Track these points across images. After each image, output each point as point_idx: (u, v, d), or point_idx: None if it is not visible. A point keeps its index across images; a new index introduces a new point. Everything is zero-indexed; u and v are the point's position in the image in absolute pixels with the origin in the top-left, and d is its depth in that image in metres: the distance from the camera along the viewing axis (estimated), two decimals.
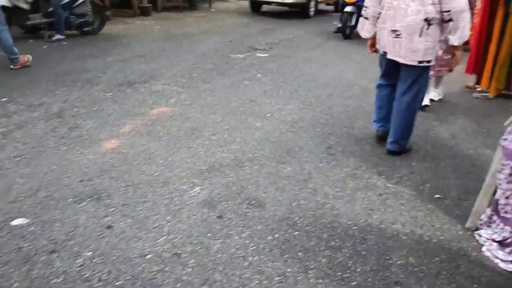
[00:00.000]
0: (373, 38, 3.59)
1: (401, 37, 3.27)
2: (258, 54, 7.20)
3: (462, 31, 3.15)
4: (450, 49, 3.48)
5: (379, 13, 3.42)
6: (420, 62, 3.30)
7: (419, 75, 3.40)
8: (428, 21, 3.17)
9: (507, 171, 2.51)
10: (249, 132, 4.04)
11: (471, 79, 5.80)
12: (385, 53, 3.46)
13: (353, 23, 8.87)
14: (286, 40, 8.57)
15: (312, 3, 11.80)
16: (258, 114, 4.50)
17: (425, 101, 4.63)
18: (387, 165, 3.53)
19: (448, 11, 3.11)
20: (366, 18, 3.53)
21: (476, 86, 5.66)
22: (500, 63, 5.31)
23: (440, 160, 3.68)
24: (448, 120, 4.60)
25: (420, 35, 3.21)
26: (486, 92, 5.49)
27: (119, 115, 4.33)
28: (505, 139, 2.56)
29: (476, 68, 5.60)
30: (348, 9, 8.82)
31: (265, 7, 12.85)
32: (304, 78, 5.95)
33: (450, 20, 3.13)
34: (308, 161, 3.53)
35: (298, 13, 11.97)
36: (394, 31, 3.30)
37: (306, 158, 3.59)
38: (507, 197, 2.52)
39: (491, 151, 3.84)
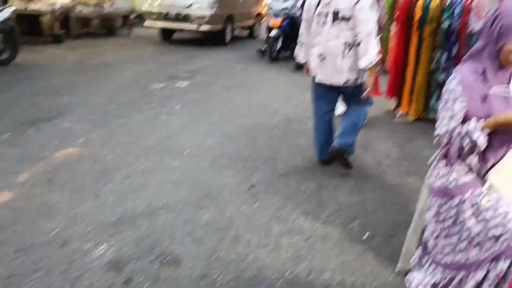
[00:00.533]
0: (306, 62, 3.82)
1: (326, 60, 3.51)
2: (178, 84, 6.88)
3: (369, 54, 3.34)
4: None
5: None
6: (344, 83, 3.53)
7: (352, 94, 3.64)
8: (348, 45, 3.42)
9: (434, 209, 2.38)
10: (166, 174, 3.70)
11: (392, 103, 5.86)
12: (315, 77, 3.66)
13: (278, 47, 9.02)
14: (207, 67, 8.34)
15: (228, 29, 11.61)
16: (176, 152, 4.17)
17: (338, 111, 4.95)
18: (313, 202, 3.34)
19: (357, 34, 3.34)
20: (302, 44, 3.77)
21: (397, 109, 5.71)
22: (417, 86, 5.39)
23: (367, 192, 3.55)
24: (372, 146, 4.54)
25: (342, 58, 3.46)
26: (406, 116, 5.55)
27: (15, 161, 3.82)
28: (430, 176, 2.43)
29: (396, 91, 5.66)
30: (273, 33, 8.93)
31: (178, 35, 12.22)
32: (226, 107, 5.71)
33: (359, 44, 3.35)
34: (229, 204, 3.25)
35: (214, 40, 11.58)
36: (320, 55, 3.54)
37: (227, 200, 3.31)
38: (436, 237, 2.38)
39: (415, 178, 3.79)
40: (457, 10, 5.02)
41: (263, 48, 9.64)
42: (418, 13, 5.15)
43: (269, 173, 3.80)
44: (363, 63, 3.36)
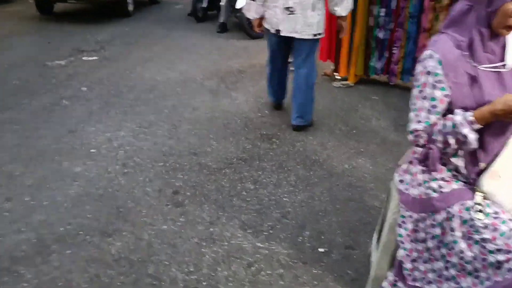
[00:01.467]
0: (260, 18, 3.64)
1: (295, 13, 3.37)
2: (84, 58, 5.87)
3: (347, 1, 3.47)
4: (338, 21, 3.70)
5: None
6: (314, 35, 3.47)
7: (312, 47, 3.58)
8: None
9: (409, 225, 1.82)
10: (63, 187, 2.90)
11: (328, 66, 5.28)
12: (277, 31, 3.50)
13: (205, 4, 8.21)
14: (122, 35, 7.30)
15: None
16: (79, 153, 3.35)
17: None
18: (252, 209, 2.71)
19: None
20: (253, 0, 3.55)
21: (335, 74, 5.15)
22: (355, 48, 4.83)
23: (313, 186, 2.98)
24: (313, 124, 3.95)
25: (313, 10, 3.38)
26: (346, 80, 5.00)
27: None
28: (401, 181, 1.86)
29: (332, 55, 5.07)
30: None
31: (61, 6, 8.86)
32: (143, 86, 4.87)
33: None
34: (147, 224, 2.55)
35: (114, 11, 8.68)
36: (287, 8, 3.38)
37: (144, 218, 2.60)
38: (413, 260, 1.84)
39: (366, 160, 3.28)
40: None
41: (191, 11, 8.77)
42: None
43: (196, 172, 3.12)
44: (343, 11, 3.49)
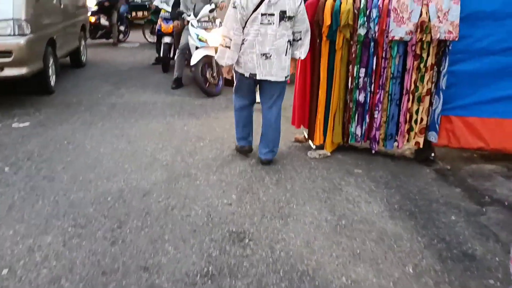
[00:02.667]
0: (231, 64, 3.82)
1: (271, 58, 3.69)
2: (14, 125, 4.98)
3: (306, 46, 3.86)
4: (292, 63, 3.96)
5: (243, 40, 3.70)
6: (286, 77, 3.81)
7: (283, 88, 3.92)
8: (289, 42, 3.74)
9: None
10: None
11: (298, 131, 4.65)
12: (253, 75, 3.76)
13: (172, 54, 7.94)
14: (64, 91, 6.46)
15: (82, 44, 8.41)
16: None
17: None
18: None
19: (299, 31, 3.78)
20: (228, 47, 3.70)
21: (309, 141, 4.51)
22: (332, 113, 4.23)
23: None
24: (290, 209, 3.24)
25: (286, 54, 3.73)
26: (322, 148, 4.36)
27: None
28: None
29: (305, 120, 4.44)
30: (167, 40, 7.76)
31: None
32: (82, 162, 4.03)
33: (300, 39, 3.81)
34: None
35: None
36: (264, 54, 3.68)
37: None
38: None
39: (364, 267, 2.57)
40: (373, 14, 3.92)
41: (156, 58, 8.54)
42: (327, 19, 3.96)
43: None
44: (302, 54, 3.85)
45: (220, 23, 6.29)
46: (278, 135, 4.02)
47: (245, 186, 3.59)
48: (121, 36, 11.23)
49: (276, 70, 3.72)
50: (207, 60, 6.26)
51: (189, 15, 6.51)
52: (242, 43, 3.71)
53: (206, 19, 6.42)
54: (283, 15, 3.63)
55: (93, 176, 3.74)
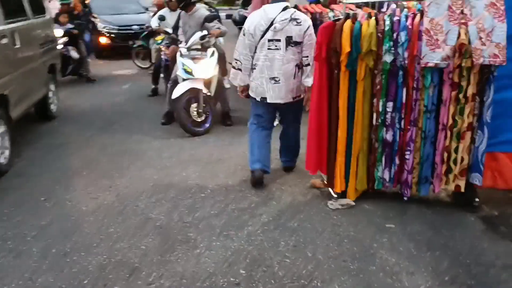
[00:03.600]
0: (245, 86, 3.98)
1: (280, 82, 3.78)
2: None
3: (313, 74, 3.68)
4: (307, 93, 3.88)
5: (254, 65, 3.85)
6: (294, 98, 3.87)
7: (296, 109, 4.02)
8: (298, 66, 3.80)
9: None
10: None
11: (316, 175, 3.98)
12: (263, 99, 3.86)
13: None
14: (50, 131, 5.84)
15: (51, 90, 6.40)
16: None
17: None
18: None
19: (307, 57, 3.76)
20: (240, 70, 3.91)
21: (329, 189, 3.83)
22: (355, 155, 3.57)
23: None
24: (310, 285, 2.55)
25: (294, 78, 3.80)
26: (344, 196, 3.67)
27: None
28: None
29: (323, 164, 3.77)
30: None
31: None
32: (59, 225, 3.38)
33: (308, 64, 3.77)
34: None
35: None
36: (273, 78, 3.78)
37: None
38: None
39: None
40: (402, 37, 3.28)
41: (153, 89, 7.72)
42: (345, 45, 3.32)
43: None
44: (310, 82, 3.72)
45: (214, 52, 5.62)
46: (298, 148, 4.20)
47: (255, 256, 2.91)
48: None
49: (285, 94, 3.82)
50: (193, 94, 5.42)
51: (181, 42, 5.88)
52: (254, 68, 3.86)
53: (198, 47, 5.61)
54: (289, 40, 3.71)
55: (69, 246, 3.07)
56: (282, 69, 3.75)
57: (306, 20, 3.77)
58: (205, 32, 5.63)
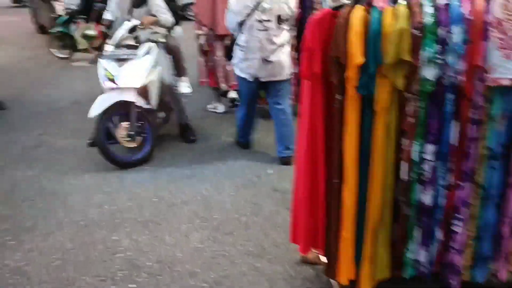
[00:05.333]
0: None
1: (273, 61, 3.76)
2: None
3: None
4: None
5: (243, 47, 3.80)
6: (287, 74, 3.90)
7: (287, 85, 4.00)
8: (288, 42, 3.86)
9: None
10: None
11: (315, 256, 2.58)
12: (256, 78, 3.84)
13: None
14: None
15: None
16: None
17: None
18: None
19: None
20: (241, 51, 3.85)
21: (328, 276, 2.43)
22: (371, 225, 2.17)
23: None
24: None
25: (286, 55, 3.83)
26: None
27: None
28: None
29: (317, 237, 2.38)
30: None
31: None
32: None
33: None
34: None
35: None
36: (264, 58, 3.74)
37: None
38: None
39: None
40: (455, 35, 1.85)
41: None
42: (355, 53, 1.87)
43: None
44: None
45: (151, 49, 4.08)
46: (292, 130, 3.87)
47: None
48: None
49: (278, 71, 3.82)
50: (122, 109, 3.90)
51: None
52: (242, 50, 3.80)
53: (130, 42, 4.07)
54: (279, 19, 3.71)
55: None
56: (274, 47, 3.73)
57: None
58: (134, 22, 4.06)
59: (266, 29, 3.68)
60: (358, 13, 1.90)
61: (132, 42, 4.05)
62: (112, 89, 3.86)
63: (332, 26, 1.95)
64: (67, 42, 8.23)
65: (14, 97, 6.16)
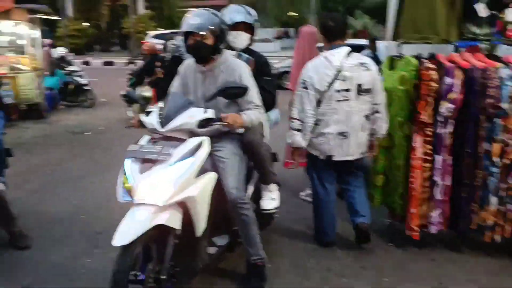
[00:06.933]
0: (303, 149, 3.61)
1: (348, 137, 3.44)
2: None
3: (386, 119, 3.53)
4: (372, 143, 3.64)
5: (317, 121, 3.47)
6: (361, 153, 3.56)
7: (362, 163, 3.64)
8: (367, 117, 3.48)
9: None
10: None
11: None
12: (329, 157, 3.51)
13: None
14: None
15: None
16: None
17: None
18: None
19: (376, 103, 3.46)
20: (299, 130, 3.50)
21: None
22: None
23: None
24: None
25: (363, 130, 3.48)
26: None
27: None
28: None
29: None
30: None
31: None
32: None
33: (377, 111, 3.48)
34: None
35: None
36: (341, 133, 3.44)
37: None
38: None
39: None
40: None
41: None
42: None
43: None
44: (384, 129, 3.53)
45: (200, 146, 2.66)
46: (367, 201, 3.69)
47: None
48: None
49: (353, 150, 3.50)
50: (149, 238, 2.41)
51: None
52: (317, 124, 3.47)
53: (183, 136, 2.67)
54: (359, 89, 3.41)
55: None
56: (352, 121, 3.40)
57: (372, 63, 3.47)
58: (210, 113, 2.72)
59: (345, 99, 3.35)
60: None
61: (184, 137, 2.66)
62: (136, 205, 2.42)
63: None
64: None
65: None
